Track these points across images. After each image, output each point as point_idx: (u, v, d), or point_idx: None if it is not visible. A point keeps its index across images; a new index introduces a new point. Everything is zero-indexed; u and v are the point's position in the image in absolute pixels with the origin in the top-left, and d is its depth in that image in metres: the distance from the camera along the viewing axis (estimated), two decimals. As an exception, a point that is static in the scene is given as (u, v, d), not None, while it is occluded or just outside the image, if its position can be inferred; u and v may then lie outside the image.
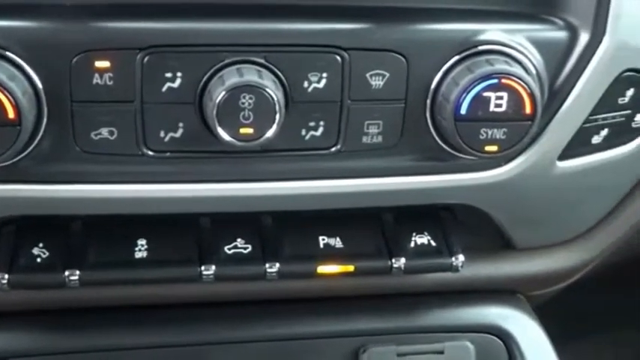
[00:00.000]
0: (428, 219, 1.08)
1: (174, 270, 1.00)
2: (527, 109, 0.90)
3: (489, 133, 0.90)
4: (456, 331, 1.12)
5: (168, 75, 0.87)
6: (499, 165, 0.98)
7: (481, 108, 0.89)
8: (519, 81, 0.89)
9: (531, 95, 0.89)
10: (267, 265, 1.01)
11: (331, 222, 1.05)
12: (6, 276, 0.97)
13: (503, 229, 1.09)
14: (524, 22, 0.94)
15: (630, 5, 0.95)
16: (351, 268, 1.03)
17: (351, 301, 1.11)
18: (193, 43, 0.87)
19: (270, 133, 0.86)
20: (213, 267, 1.00)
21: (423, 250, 1.06)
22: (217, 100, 0.85)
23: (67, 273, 0.98)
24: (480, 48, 0.91)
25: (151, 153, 0.90)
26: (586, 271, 1.22)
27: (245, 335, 1.08)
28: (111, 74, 0.86)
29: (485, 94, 0.89)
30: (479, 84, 0.88)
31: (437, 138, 0.93)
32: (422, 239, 1.07)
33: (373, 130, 0.92)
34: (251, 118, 0.85)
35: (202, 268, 1.00)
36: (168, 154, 0.90)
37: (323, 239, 1.05)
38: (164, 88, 0.87)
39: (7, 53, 0.85)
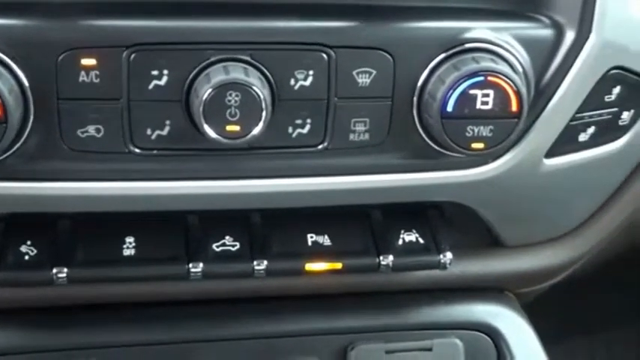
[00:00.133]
0: (416, 217, 1.08)
1: (162, 268, 1.00)
2: (514, 107, 0.90)
3: (476, 130, 0.91)
4: (444, 328, 1.12)
5: (155, 73, 0.87)
6: (486, 162, 0.99)
7: (467, 105, 0.89)
8: (505, 79, 0.89)
9: (517, 93, 0.90)
10: (254, 263, 1.01)
11: (320, 220, 1.05)
12: (-6, 274, 0.97)
13: (491, 226, 1.09)
14: (511, 20, 0.94)
15: (616, 3, 0.95)
16: (338, 265, 1.03)
17: (340, 298, 1.12)
18: (180, 40, 0.87)
19: (256, 130, 0.86)
20: (201, 265, 1.00)
21: (411, 248, 1.06)
22: (204, 98, 0.85)
23: (54, 270, 0.98)
24: (467, 46, 0.92)
25: (137, 151, 0.90)
26: (574, 268, 1.23)
27: (233, 333, 1.08)
28: (97, 72, 0.86)
29: (472, 91, 0.89)
30: (465, 81, 0.89)
31: (424, 135, 0.94)
32: (410, 237, 1.07)
33: (360, 127, 0.93)
34: (237, 116, 0.86)
35: (190, 265, 1.00)
36: (155, 151, 0.91)
37: (311, 237, 1.05)
38: (151, 86, 0.88)
39: (-7, 51, 0.85)
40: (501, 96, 0.89)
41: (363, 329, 1.10)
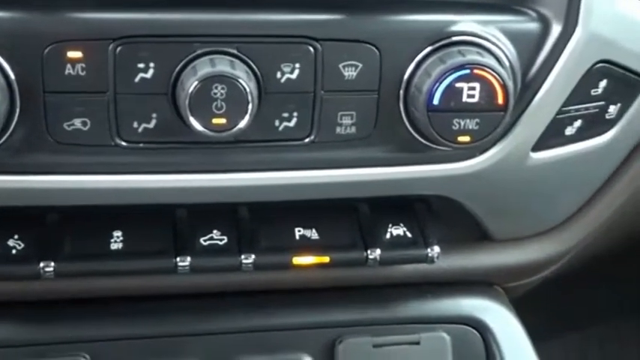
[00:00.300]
0: (404, 210, 1.08)
1: (150, 261, 1.00)
2: (500, 100, 0.90)
3: (462, 123, 0.91)
4: (432, 322, 1.12)
5: (141, 65, 0.87)
6: (473, 156, 0.99)
7: (453, 99, 0.90)
8: (491, 72, 0.89)
9: (503, 86, 0.90)
10: (242, 257, 1.01)
11: (308, 214, 1.06)
12: (-19, 268, 0.97)
13: (479, 220, 1.09)
14: (498, 13, 0.94)
15: (602, -3, 0.95)
16: (326, 259, 1.03)
17: (328, 292, 1.12)
18: (166, 33, 0.87)
19: (242, 123, 0.87)
20: (189, 258, 1.00)
21: (398, 242, 1.06)
22: (190, 91, 0.85)
23: (42, 264, 0.98)
24: (453, 39, 0.92)
25: (124, 144, 0.90)
26: (562, 263, 1.23)
27: (221, 327, 1.08)
28: (83, 65, 0.86)
29: (458, 84, 0.89)
30: (451, 74, 0.89)
31: (410, 129, 0.94)
32: (398, 231, 1.07)
33: (347, 120, 0.93)
34: (223, 109, 0.86)
35: (178, 259, 1.00)
36: (141, 144, 0.91)
37: (299, 231, 1.05)
38: (137, 79, 0.87)
39: (-21, 45, 0.85)
40: (487, 89, 0.90)
41: (350, 323, 1.10)
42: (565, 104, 0.98)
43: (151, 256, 1.01)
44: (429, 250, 1.05)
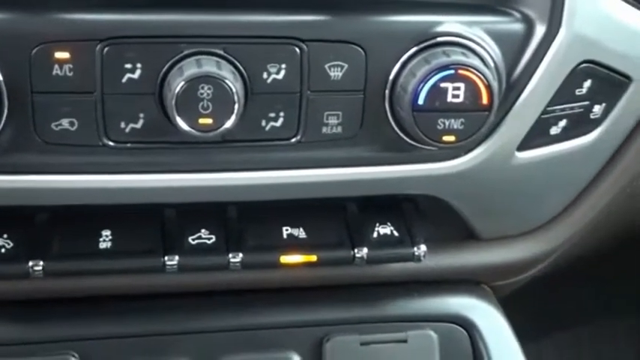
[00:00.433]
0: (391, 210, 1.09)
1: (138, 260, 1.01)
2: (484, 100, 0.91)
3: (447, 123, 0.92)
4: (419, 320, 1.13)
5: (128, 66, 0.88)
6: (458, 155, 1.00)
7: (438, 98, 0.90)
8: (476, 72, 0.90)
9: (488, 86, 0.91)
10: (230, 256, 1.02)
11: (295, 213, 1.06)
12: (-30, 267, 0.98)
13: (465, 219, 1.10)
14: (482, 14, 0.95)
15: (586, -2, 0.96)
16: (313, 258, 1.04)
17: (316, 291, 1.12)
18: (153, 34, 0.88)
19: (229, 123, 0.87)
20: (177, 257, 1.01)
21: (385, 241, 1.07)
22: (176, 91, 0.86)
23: (31, 263, 0.98)
24: (438, 39, 0.92)
25: (111, 144, 0.91)
26: (549, 262, 1.24)
27: (210, 325, 1.09)
28: (71, 65, 0.87)
29: (443, 84, 0.90)
30: (435, 75, 0.90)
31: (396, 128, 0.95)
32: (385, 230, 1.08)
33: (333, 120, 0.93)
34: (210, 109, 0.86)
35: (166, 258, 1.01)
36: (129, 144, 0.91)
37: (287, 230, 1.06)
38: (124, 79, 0.88)
39: (-33, 46, 0.85)
40: (472, 89, 0.90)
41: (338, 321, 1.11)
42: (550, 104, 0.99)
43: (139, 255, 1.01)
44: (415, 248, 1.06)
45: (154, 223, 1.04)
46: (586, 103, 1.02)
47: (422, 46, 0.92)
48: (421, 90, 0.90)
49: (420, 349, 1.11)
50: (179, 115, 0.86)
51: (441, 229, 1.14)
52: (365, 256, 1.04)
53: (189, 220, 1.04)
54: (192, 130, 0.87)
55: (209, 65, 0.87)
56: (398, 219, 1.09)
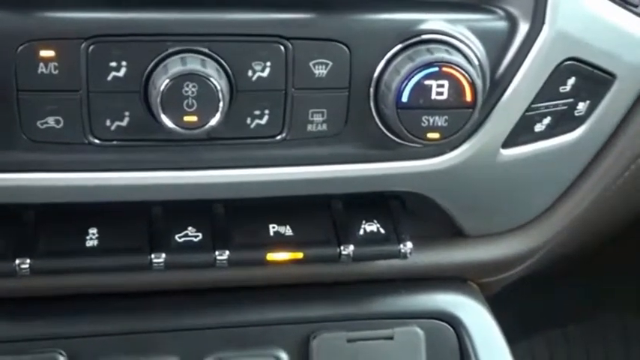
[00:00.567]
0: (378, 207, 1.10)
1: (125, 258, 1.01)
2: (468, 97, 0.92)
3: (431, 120, 0.92)
4: (406, 317, 1.13)
5: (113, 64, 0.88)
6: (443, 152, 1.00)
7: (422, 96, 0.91)
8: (459, 69, 0.90)
9: (472, 83, 0.91)
10: (216, 253, 1.02)
11: (282, 210, 1.07)
12: (-43, 265, 0.98)
13: (452, 216, 1.11)
14: (466, 12, 0.95)
15: (569, -5, 0.97)
16: (300, 255, 1.04)
17: (302, 288, 1.13)
18: (138, 32, 0.88)
19: (214, 121, 0.88)
20: (163, 255, 1.01)
21: (371, 238, 1.07)
22: (161, 89, 0.86)
23: (17, 261, 0.98)
24: (423, 37, 0.93)
25: (97, 141, 0.91)
26: (536, 259, 1.24)
27: (196, 323, 1.09)
28: (56, 63, 0.87)
29: (427, 82, 0.91)
30: (419, 72, 0.90)
31: (381, 126, 0.95)
32: (371, 227, 1.08)
33: (318, 118, 0.94)
34: (195, 106, 0.87)
35: (152, 256, 1.01)
36: (114, 142, 0.92)
37: (273, 227, 1.06)
38: (109, 77, 0.88)
39: (-48, 44, 0.86)
40: (455, 86, 0.91)
41: (325, 318, 1.11)
42: (534, 101, 0.99)
43: (126, 253, 1.01)
44: (401, 246, 1.07)
45: (141, 221, 1.04)
46: (570, 100, 1.02)
47: (406, 43, 0.92)
48: (405, 87, 0.91)
49: (406, 346, 1.12)
50: (164, 113, 0.87)
51: (428, 226, 1.14)
52: (351, 253, 1.05)
53: (176, 217, 1.04)
54: (177, 128, 0.87)
55: (194, 63, 0.87)
56: (384, 216, 1.09)
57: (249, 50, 0.90)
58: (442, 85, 0.91)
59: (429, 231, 1.15)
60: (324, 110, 0.94)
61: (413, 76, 0.90)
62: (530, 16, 0.96)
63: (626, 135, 1.10)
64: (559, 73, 0.99)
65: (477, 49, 0.94)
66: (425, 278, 1.17)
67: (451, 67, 0.90)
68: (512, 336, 1.20)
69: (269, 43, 0.90)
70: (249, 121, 0.93)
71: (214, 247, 1.02)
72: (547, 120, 1.02)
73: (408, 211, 1.11)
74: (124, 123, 0.90)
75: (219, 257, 1.02)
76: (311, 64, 0.91)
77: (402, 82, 0.90)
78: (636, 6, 1.03)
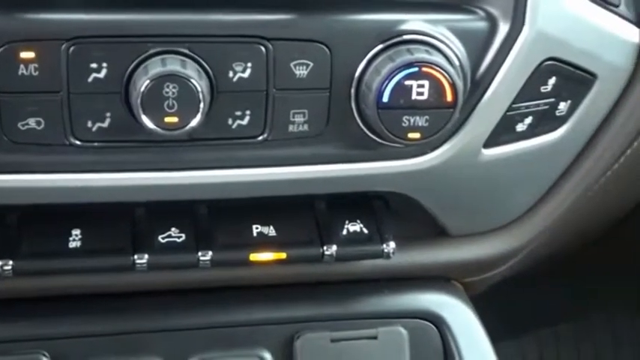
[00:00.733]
0: (361, 207, 1.10)
1: (108, 259, 1.01)
2: (449, 97, 0.92)
3: (412, 120, 0.92)
4: (389, 317, 1.14)
5: (94, 65, 0.88)
6: (425, 152, 1.00)
7: (403, 96, 0.91)
8: (439, 69, 0.91)
9: (452, 83, 0.91)
10: (199, 254, 1.02)
11: (265, 211, 1.07)
12: (-61, 267, 0.98)
13: (434, 216, 1.11)
14: (446, 12, 0.96)
15: (549, -4, 0.97)
16: (283, 255, 1.05)
17: (286, 288, 1.13)
18: (118, 34, 0.88)
19: (194, 122, 0.88)
20: (146, 256, 1.01)
21: (354, 238, 1.07)
22: (141, 90, 0.86)
23: (0, 263, 0.99)
24: (404, 37, 0.93)
25: (78, 143, 0.91)
26: (520, 258, 1.24)
27: (180, 323, 1.09)
28: (36, 65, 0.87)
29: (407, 82, 0.91)
30: (399, 72, 0.90)
31: (362, 126, 0.95)
32: (354, 227, 1.09)
33: (299, 118, 0.94)
34: (175, 107, 0.87)
35: (135, 257, 1.01)
36: (96, 143, 0.92)
37: (256, 228, 1.06)
38: (90, 79, 0.89)
39: None
40: (436, 86, 0.91)
41: (309, 319, 1.12)
42: (515, 101, 1.00)
43: (109, 254, 1.02)
44: (384, 245, 1.07)
45: (124, 222, 1.04)
46: (551, 100, 1.02)
47: (387, 44, 0.93)
48: (386, 87, 0.91)
49: (390, 346, 1.12)
50: (145, 114, 0.87)
51: (412, 226, 1.14)
52: (334, 253, 1.05)
53: (159, 218, 1.04)
54: (158, 129, 0.87)
55: (174, 64, 0.87)
56: (368, 216, 1.09)
57: (229, 51, 0.90)
58: (422, 86, 0.91)
59: (412, 231, 1.15)
60: (306, 111, 0.94)
61: (393, 77, 0.91)
62: (510, 16, 0.96)
63: (608, 135, 1.10)
64: (540, 73, 0.99)
65: (457, 49, 0.95)
66: (408, 278, 1.18)
67: (431, 68, 0.91)
68: (497, 336, 1.21)
69: (249, 44, 0.91)
70: (230, 121, 0.93)
71: (197, 247, 1.03)
72: (528, 120, 1.02)
73: (392, 211, 1.11)
74: (105, 124, 0.91)
75: (202, 258, 1.02)
76: (292, 64, 0.92)
77: (383, 83, 0.91)
78: (617, 6, 1.03)
